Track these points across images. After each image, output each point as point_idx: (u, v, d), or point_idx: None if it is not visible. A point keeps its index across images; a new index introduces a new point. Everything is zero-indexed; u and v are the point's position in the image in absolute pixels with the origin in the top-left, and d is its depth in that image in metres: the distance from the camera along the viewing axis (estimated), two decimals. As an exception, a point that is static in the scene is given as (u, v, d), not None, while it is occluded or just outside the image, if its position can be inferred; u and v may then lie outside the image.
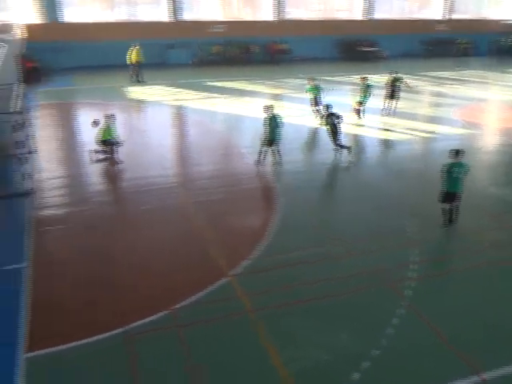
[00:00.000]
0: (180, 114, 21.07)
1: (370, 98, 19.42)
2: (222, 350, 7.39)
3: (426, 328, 7.87)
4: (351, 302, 8.54)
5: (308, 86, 19.32)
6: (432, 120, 20.78)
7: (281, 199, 12.43)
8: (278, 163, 14.56)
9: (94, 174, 14.21)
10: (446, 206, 10.78)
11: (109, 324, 7.77)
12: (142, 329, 7.72)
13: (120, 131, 15.33)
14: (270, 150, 14.47)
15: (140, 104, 22.19)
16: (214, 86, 25.46)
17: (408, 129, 18.86)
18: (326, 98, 19.16)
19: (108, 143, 14.64)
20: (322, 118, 16.32)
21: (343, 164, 14.98)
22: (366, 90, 19.23)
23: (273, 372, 6.94)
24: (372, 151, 16.82)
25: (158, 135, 18.12)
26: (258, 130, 15.93)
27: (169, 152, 16.45)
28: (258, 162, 14.46)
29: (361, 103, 19.54)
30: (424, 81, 28.87)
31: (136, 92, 24.16)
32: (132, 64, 25.87)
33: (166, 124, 19.92)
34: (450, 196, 10.62)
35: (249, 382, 6.80)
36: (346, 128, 18.64)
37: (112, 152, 14.79)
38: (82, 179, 13.82)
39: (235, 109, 21.24)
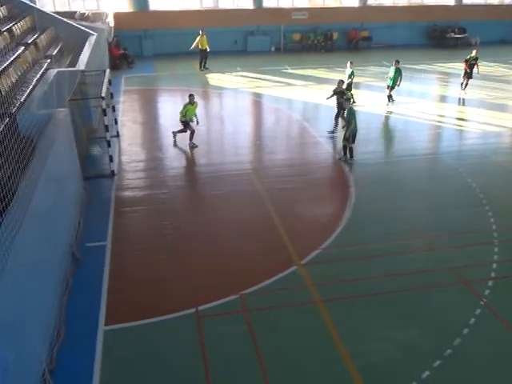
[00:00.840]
0: (258, 101, 21.21)
1: (400, 83, 18.73)
2: (289, 337, 7.45)
3: (504, 330, 7.48)
4: (425, 297, 8.28)
5: (349, 70, 18.72)
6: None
7: (354, 190, 12.23)
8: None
9: (171, 158, 14.70)
10: None
11: (180, 304, 8.09)
12: (212, 311, 7.96)
13: (199, 117, 15.70)
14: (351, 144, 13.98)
15: (219, 91, 22.57)
16: (293, 74, 25.32)
17: (493, 120, 17.81)
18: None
19: (184, 123, 15.19)
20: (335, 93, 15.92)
21: (416, 156, 14.46)
22: (397, 74, 18.54)
23: (339, 363, 6.92)
24: (457, 144, 15.98)
25: (235, 122, 18.38)
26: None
27: (244, 139, 16.63)
28: (345, 159, 14.02)
29: (392, 87, 18.85)
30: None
31: (216, 79, 24.59)
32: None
33: (244, 111, 20.12)
34: None
35: (314, 371, 6.82)
36: (419, 117, 17.99)
37: (185, 131, 15.23)
38: (161, 163, 14.33)
39: (314, 97, 21.01)
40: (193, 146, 15.20)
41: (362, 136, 15.40)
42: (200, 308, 7.97)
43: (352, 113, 13.71)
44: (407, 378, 6.63)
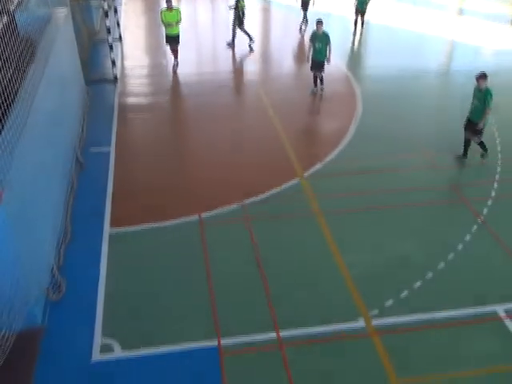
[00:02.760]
0: (266, 7, 20.28)
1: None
2: (288, 245, 7.65)
3: (498, 248, 7.66)
4: (423, 213, 8.41)
5: None
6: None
7: (361, 104, 12.02)
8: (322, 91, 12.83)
9: (176, 65, 14.29)
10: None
11: (183, 210, 8.24)
12: (215, 218, 8.12)
13: (204, 26, 15.10)
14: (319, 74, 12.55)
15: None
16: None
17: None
18: None
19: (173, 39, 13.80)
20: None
21: (427, 72, 14.04)
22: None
23: (335, 271, 7.15)
24: (470, 61, 15.43)
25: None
26: (345, 31, 15.15)
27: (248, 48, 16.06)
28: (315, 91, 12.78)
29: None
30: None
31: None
32: None
33: (249, 19, 19.25)
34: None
35: (310, 277, 7.09)
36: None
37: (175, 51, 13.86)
38: (165, 70, 13.99)
39: (326, 6, 20.00)
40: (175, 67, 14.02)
41: (373, 49, 14.89)
42: (203, 215, 8.14)
43: (321, 37, 12.06)
44: (399, 287, 6.87)
